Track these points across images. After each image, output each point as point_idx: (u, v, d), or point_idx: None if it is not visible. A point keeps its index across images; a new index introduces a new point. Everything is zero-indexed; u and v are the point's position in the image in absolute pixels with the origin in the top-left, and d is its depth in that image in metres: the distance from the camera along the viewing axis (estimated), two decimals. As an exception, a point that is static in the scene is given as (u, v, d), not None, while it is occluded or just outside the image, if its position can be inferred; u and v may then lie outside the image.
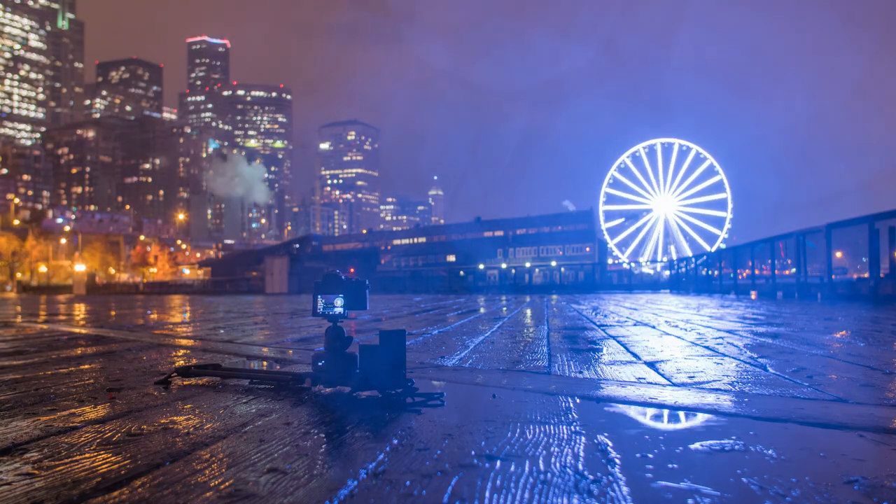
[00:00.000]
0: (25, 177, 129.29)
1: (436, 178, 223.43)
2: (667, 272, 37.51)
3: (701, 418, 1.57)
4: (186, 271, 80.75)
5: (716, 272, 20.45)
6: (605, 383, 2.09)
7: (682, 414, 1.63)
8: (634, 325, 5.05)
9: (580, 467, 1.15)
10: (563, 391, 1.93)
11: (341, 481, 1.08)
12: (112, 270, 77.11)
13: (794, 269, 14.33)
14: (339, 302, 1.89)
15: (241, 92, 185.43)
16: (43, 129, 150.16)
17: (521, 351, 3.13)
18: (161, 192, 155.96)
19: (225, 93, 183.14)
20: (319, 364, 1.90)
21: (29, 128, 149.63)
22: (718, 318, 5.96)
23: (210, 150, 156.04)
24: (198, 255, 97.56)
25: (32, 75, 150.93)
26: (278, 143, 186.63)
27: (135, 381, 2.23)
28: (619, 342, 3.53)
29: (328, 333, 1.89)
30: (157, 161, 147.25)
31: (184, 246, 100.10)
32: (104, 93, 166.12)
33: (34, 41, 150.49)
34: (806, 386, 2.01)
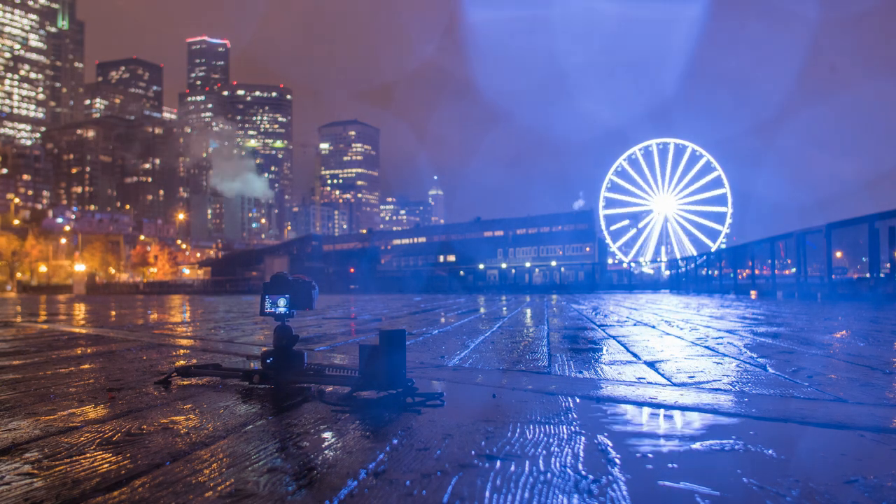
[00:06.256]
0: (25, 177, 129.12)
1: (436, 177, 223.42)
2: (667, 272, 37.54)
3: (701, 418, 1.57)
4: (186, 271, 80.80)
5: (716, 272, 20.45)
6: (606, 383, 2.09)
7: (682, 414, 1.63)
8: (634, 324, 5.05)
9: (580, 467, 1.15)
10: (564, 391, 1.93)
11: (342, 481, 1.08)
12: (112, 270, 77.14)
13: (794, 269, 14.33)
14: (282, 302, 1.99)
15: (241, 92, 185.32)
16: (43, 129, 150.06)
17: (522, 351, 3.13)
18: (161, 192, 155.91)
19: (225, 93, 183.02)
20: (268, 361, 1.97)
21: (29, 128, 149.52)
22: (718, 317, 5.96)
23: (210, 150, 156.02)
24: (198, 255, 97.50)
25: (32, 75, 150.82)
26: (278, 143, 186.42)
27: (135, 381, 2.23)
28: (619, 342, 3.53)
29: (275, 332, 1.98)
30: (158, 161, 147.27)
31: (184, 246, 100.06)
32: (104, 93, 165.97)
33: (34, 41, 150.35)
34: (806, 386, 2.01)
